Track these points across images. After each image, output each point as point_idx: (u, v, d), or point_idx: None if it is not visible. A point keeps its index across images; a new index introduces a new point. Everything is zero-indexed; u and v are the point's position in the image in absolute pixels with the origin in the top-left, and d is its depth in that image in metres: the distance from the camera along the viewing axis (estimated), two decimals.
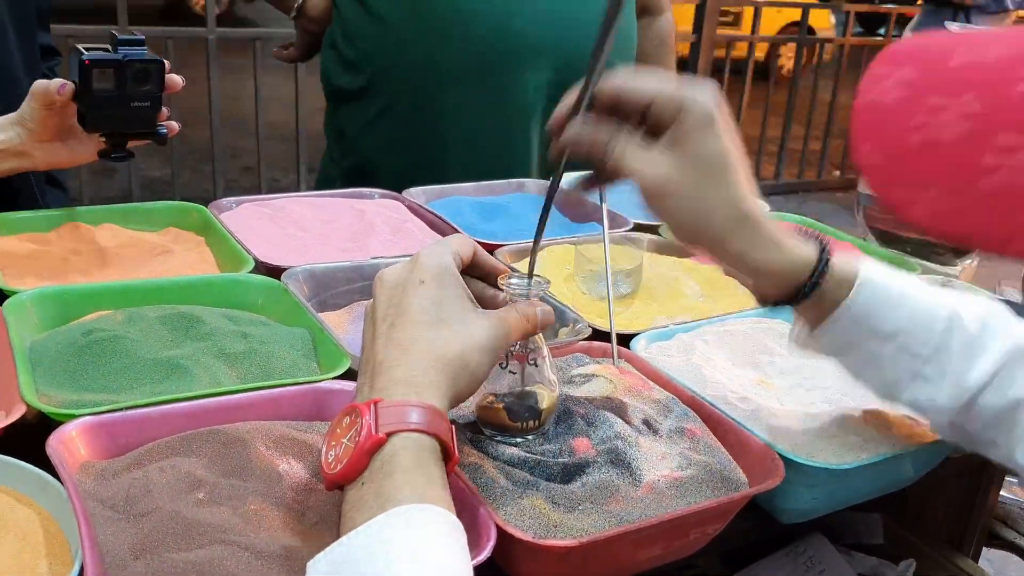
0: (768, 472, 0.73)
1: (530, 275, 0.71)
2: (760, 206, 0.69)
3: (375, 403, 0.58)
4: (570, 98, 0.68)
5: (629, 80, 0.68)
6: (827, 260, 0.70)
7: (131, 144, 1.04)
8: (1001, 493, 1.18)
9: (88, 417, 0.69)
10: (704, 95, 0.66)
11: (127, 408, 0.71)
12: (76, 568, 0.56)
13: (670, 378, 0.85)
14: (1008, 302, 1.07)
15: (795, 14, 5.79)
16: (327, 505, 0.67)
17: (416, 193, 1.33)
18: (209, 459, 0.68)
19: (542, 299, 0.71)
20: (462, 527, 0.54)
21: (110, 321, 0.85)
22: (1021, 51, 0.50)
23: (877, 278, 0.71)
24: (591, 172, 0.72)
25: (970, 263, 1.25)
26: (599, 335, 0.93)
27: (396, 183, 1.36)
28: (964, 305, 0.72)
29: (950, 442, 0.78)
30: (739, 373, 0.90)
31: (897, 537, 1.17)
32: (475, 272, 0.71)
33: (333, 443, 0.59)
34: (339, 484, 0.58)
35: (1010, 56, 0.50)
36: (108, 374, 0.77)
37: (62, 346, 0.80)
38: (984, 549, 1.17)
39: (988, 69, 0.49)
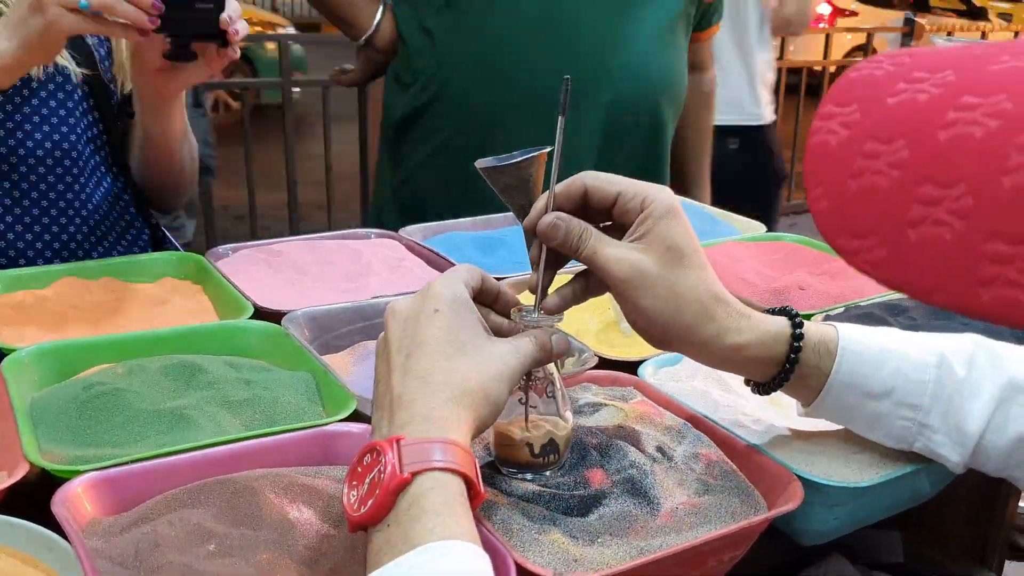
0: (787, 494, 0.72)
1: (538, 305, 0.71)
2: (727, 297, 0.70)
3: (397, 440, 0.57)
4: (541, 202, 0.71)
5: (595, 178, 0.71)
6: (800, 325, 0.72)
7: (196, 47, 1.08)
8: (1020, 504, 1.16)
9: (93, 473, 0.68)
10: (665, 190, 0.69)
11: (132, 462, 0.70)
12: None
13: (681, 403, 0.84)
14: None
15: (860, 38, 6.59)
16: (340, 551, 0.65)
17: (413, 231, 1.33)
18: (218, 509, 0.67)
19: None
20: (487, 559, 0.53)
21: (110, 374, 0.83)
22: (950, 90, 0.47)
23: (856, 340, 0.72)
24: None
25: None
26: (605, 364, 0.92)
27: (451, 217, 1.40)
28: (949, 348, 0.74)
29: None
30: (752, 396, 0.89)
31: (917, 554, 1.15)
32: (484, 300, 0.70)
33: (355, 482, 0.58)
34: (363, 526, 0.56)
35: (939, 97, 0.47)
36: (111, 428, 0.76)
37: (63, 402, 0.79)
38: (1007, 562, 1.15)
39: (918, 111, 0.48)
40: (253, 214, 3.45)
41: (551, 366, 0.71)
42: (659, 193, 0.69)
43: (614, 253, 0.68)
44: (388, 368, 0.63)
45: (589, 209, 0.71)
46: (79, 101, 1.19)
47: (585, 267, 0.71)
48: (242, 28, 1.08)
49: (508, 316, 0.71)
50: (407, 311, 0.65)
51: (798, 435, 0.81)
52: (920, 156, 0.46)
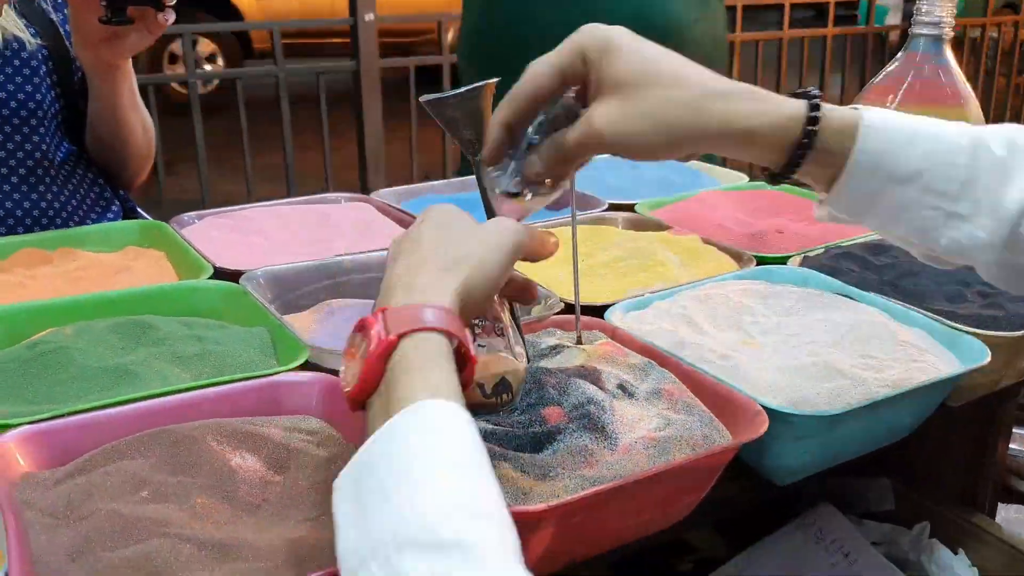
0: (752, 426, 0.69)
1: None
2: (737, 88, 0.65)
3: (383, 311, 0.56)
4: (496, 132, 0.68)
5: (530, 77, 0.66)
6: (818, 106, 0.65)
7: (133, 12, 1.07)
8: (1010, 446, 1.13)
9: (27, 427, 0.66)
10: (590, 31, 0.65)
11: (68, 415, 0.67)
12: (1, 572, 0.52)
13: (645, 342, 0.81)
14: None
15: None
16: (284, 497, 0.63)
17: (386, 194, 1.30)
18: (157, 459, 0.64)
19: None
20: (474, 422, 0.51)
21: (58, 335, 0.81)
22: None
23: (882, 120, 0.65)
24: None
25: None
26: (571, 309, 0.89)
27: None
28: (986, 130, 0.66)
29: (1003, 288, 0.71)
30: (720, 335, 0.86)
31: (909, 501, 1.13)
32: None
33: (348, 360, 0.57)
34: (360, 401, 0.55)
35: None
36: (53, 386, 0.74)
37: (6, 363, 0.77)
38: (999, 505, 1.12)
39: None
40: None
41: (497, 304, 0.69)
42: (586, 37, 0.65)
43: (583, 129, 0.65)
44: (389, 263, 0.63)
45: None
46: (35, 69, 1.17)
47: None
48: None
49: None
50: (406, 231, 0.65)
51: (768, 370, 0.78)
52: None
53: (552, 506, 0.58)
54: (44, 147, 1.20)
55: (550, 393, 0.72)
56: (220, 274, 0.98)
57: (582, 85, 0.67)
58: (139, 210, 1.34)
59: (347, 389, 0.55)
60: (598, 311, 0.89)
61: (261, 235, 1.12)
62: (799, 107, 0.65)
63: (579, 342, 0.81)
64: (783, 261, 1.03)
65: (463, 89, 0.71)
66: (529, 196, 0.70)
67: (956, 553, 1.05)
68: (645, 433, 0.68)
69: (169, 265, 1.06)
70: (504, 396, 0.70)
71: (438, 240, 0.61)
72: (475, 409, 0.69)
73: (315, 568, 0.54)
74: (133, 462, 0.64)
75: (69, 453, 0.66)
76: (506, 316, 0.70)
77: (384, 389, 0.53)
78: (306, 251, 1.08)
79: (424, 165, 3.89)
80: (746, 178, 1.35)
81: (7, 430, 0.65)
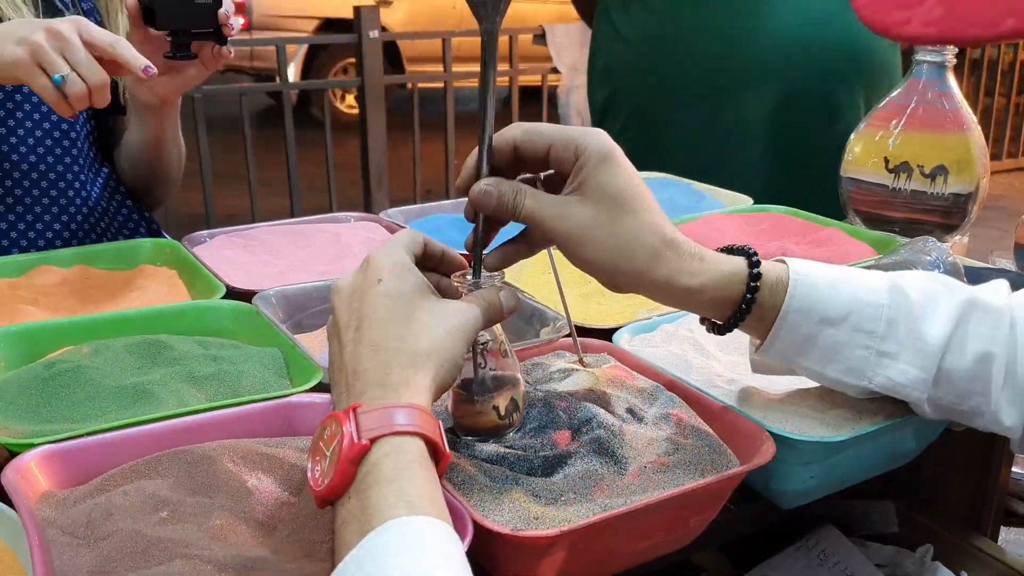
0: (760, 451, 0.70)
1: (476, 271, 0.69)
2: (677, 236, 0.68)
3: (354, 409, 0.56)
4: (471, 160, 0.69)
5: (525, 131, 0.68)
6: (757, 264, 0.70)
7: (195, 46, 1.09)
8: (1013, 469, 1.14)
9: (47, 446, 0.67)
10: (598, 135, 0.67)
11: (88, 434, 0.69)
12: None
13: (653, 366, 0.82)
14: (1002, 270, 1.05)
15: None
16: (300, 518, 0.64)
17: (395, 214, 1.32)
18: (175, 479, 0.66)
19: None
20: (454, 534, 0.51)
21: (75, 354, 0.82)
22: None
23: (809, 271, 0.70)
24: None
25: (959, 238, 1.23)
26: (580, 332, 0.91)
27: None
28: (902, 278, 0.72)
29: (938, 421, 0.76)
30: (727, 358, 0.87)
31: (912, 523, 1.13)
32: (429, 264, 0.69)
33: (318, 457, 0.57)
34: (329, 500, 0.55)
35: None
36: (71, 405, 0.75)
37: (25, 381, 0.78)
38: (1002, 528, 1.13)
39: None
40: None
41: (499, 327, 0.70)
42: (593, 139, 0.67)
43: (551, 212, 0.66)
44: (340, 345, 0.62)
45: (525, 163, 0.69)
46: None
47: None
48: (236, 25, 1.09)
49: (444, 268, 0.70)
50: (350, 287, 0.64)
51: (773, 395, 0.80)
52: None
53: (564, 531, 0.59)
54: (76, 169, 1.22)
55: (560, 417, 0.73)
56: (232, 294, 0.99)
57: (539, 170, 0.69)
58: (164, 233, 1.36)
59: (319, 488, 0.55)
60: (605, 334, 0.90)
61: (272, 254, 1.13)
62: (739, 265, 0.69)
63: (581, 363, 0.82)
64: None
65: None
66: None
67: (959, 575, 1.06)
68: (654, 458, 0.69)
69: (182, 284, 1.07)
70: (515, 416, 0.71)
71: (398, 324, 0.60)
72: (489, 432, 0.71)
73: None
74: (152, 482, 0.65)
75: (88, 472, 0.67)
76: (503, 334, 0.71)
77: (355, 493, 0.53)
78: (317, 271, 1.10)
79: (426, 181, 3.91)
80: (751, 200, 1.36)
81: (28, 449, 0.66)
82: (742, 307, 0.69)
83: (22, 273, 1.06)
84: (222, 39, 1.08)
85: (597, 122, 1.71)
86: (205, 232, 1.19)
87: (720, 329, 0.72)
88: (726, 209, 1.34)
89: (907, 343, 0.69)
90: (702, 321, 0.74)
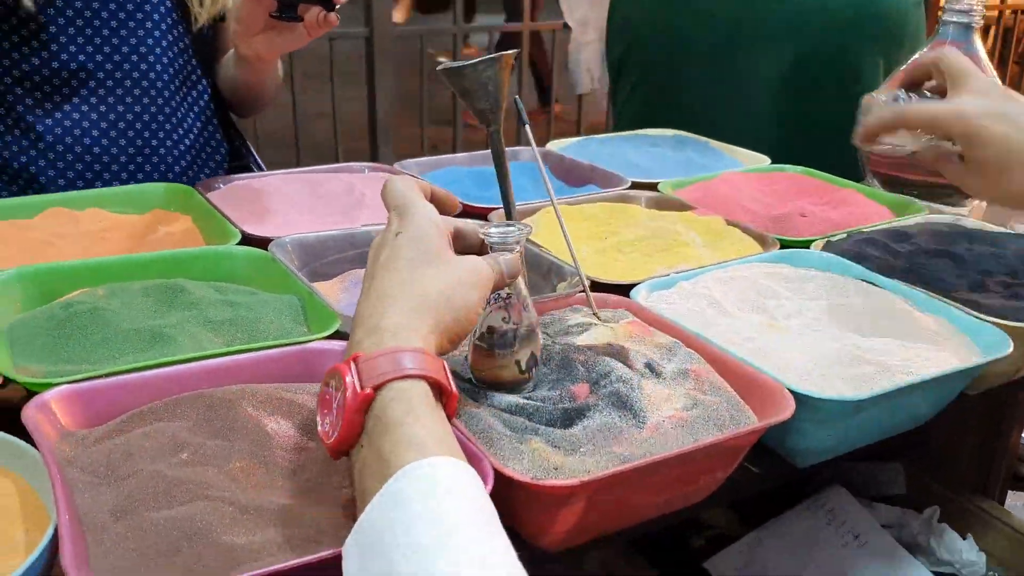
0: (778, 409, 0.70)
1: (509, 217, 0.69)
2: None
3: (355, 359, 0.55)
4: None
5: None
6: None
7: (301, 9, 1.09)
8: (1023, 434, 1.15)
9: (66, 386, 0.67)
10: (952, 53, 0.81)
11: (107, 375, 0.68)
12: (51, 530, 0.54)
13: (672, 322, 0.82)
14: (1022, 236, 1.04)
15: None
16: (320, 463, 0.64)
17: (410, 165, 1.31)
18: (194, 422, 0.66)
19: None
20: (472, 471, 0.51)
21: (91, 295, 0.82)
22: None
23: None
24: None
25: (978, 203, 1.22)
26: (598, 287, 0.90)
27: None
28: None
29: None
30: (745, 317, 0.87)
31: (920, 486, 1.14)
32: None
33: (325, 410, 0.57)
34: (341, 451, 0.55)
35: None
36: (89, 346, 0.75)
37: (41, 322, 0.77)
38: (1009, 492, 1.14)
39: None
40: None
41: (520, 281, 0.69)
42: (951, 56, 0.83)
43: (953, 109, 0.83)
44: (360, 296, 0.62)
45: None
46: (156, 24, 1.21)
47: None
48: None
49: (445, 212, 0.70)
50: (378, 241, 0.65)
51: (793, 353, 0.79)
52: None
53: (585, 481, 0.59)
54: (176, 103, 1.23)
55: (578, 370, 0.72)
56: (247, 240, 0.98)
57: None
58: (253, 152, 1.41)
59: (329, 441, 0.55)
60: (623, 290, 0.90)
61: (288, 203, 1.12)
62: None
63: (596, 318, 0.82)
64: (806, 245, 1.03)
65: (479, 59, 0.72)
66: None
67: (965, 538, 1.06)
68: (673, 412, 0.69)
69: (196, 229, 1.06)
70: (534, 370, 0.71)
71: (410, 271, 0.60)
72: (510, 385, 0.71)
73: None
74: (171, 424, 0.65)
75: (107, 413, 0.67)
76: (525, 289, 0.71)
77: (367, 442, 0.53)
78: (331, 220, 1.09)
79: (432, 137, 3.88)
80: (768, 160, 1.35)
81: (47, 389, 0.66)
82: None
83: (33, 215, 1.06)
84: (330, 5, 1.07)
85: (614, 77, 1.70)
86: (220, 179, 1.18)
87: None
88: (743, 168, 1.33)
89: None
90: None
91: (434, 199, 0.69)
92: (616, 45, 1.67)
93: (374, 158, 3.71)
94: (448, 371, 0.57)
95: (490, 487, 0.57)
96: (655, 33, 1.59)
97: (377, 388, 0.54)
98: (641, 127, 1.55)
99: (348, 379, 0.54)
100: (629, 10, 1.65)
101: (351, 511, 0.58)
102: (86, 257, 0.96)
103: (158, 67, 1.21)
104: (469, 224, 0.69)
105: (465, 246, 0.69)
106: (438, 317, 0.59)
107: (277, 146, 3.88)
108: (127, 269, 0.89)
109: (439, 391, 0.56)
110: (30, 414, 0.62)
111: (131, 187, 1.14)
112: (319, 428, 0.57)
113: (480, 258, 0.65)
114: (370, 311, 0.59)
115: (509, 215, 0.76)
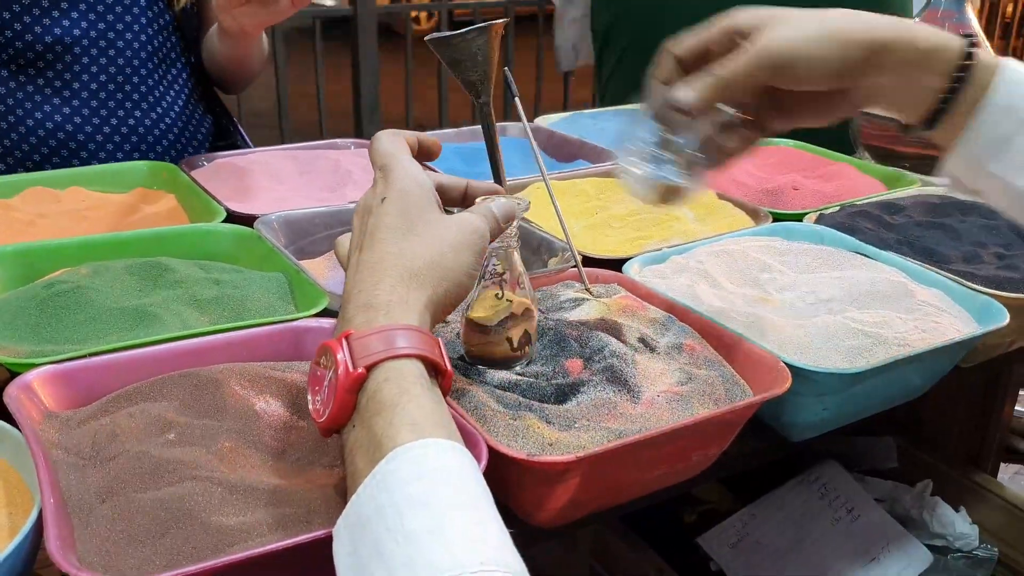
0: (774, 382, 0.69)
1: (501, 183, 0.68)
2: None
3: (346, 336, 0.54)
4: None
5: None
6: (972, 43, 0.64)
7: None
8: (1016, 407, 1.14)
9: (50, 366, 0.65)
10: (751, 8, 0.69)
11: (90, 355, 0.67)
12: (35, 512, 0.52)
13: (665, 296, 0.81)
14: None
15: None
16: (309, 442, 0.63)
17: None
18: (180, 402, 0.64)
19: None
20: (466, 452, 0.50)
21: (74, 275, 0.80)
22: None
23: (1018, 65, 0.64)
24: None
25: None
26: (590, 263, 0.89)
27: None
28: None
29: None
30: (738, 291, 0.86)
31: (912, 459, 1.14)
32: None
33: (316, 388, 0.55)
34: (332, 430, 0.54)
35: None
36: (72, 326, 0.73)
37: (23, 301, 0.76)
38: (1001, 464, 1.14)
39: None
40: None
41: (516, 257, 0.68)
42: (747, 16, 0.69)
43: (755, 50, 0.66)
44: (347, 268, 0.61)
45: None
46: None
47: None
48: None
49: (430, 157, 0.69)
50: (362, 206, 0.63)
51: (787, 326, 0.78)
52: None
53: (581, 457, 0.58)
54: (141, 72, 1.21)
55: (572, 345, 0.72)
56: (233, 218, 0.97)
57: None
58: (240, 129, 1.39)
59: (320, 420, 0.54)
60: (615, 264, 0.89)
61: (272, 179, 1.11)
62: (954, 40, 0.65)
63: (589, 293, 0.81)
64: (799, 218, 1.02)
65: (469, 28, 0.70)
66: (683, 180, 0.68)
67: (957, 510, 1.06)
68: (667, 387, 0.68)
69: (180, 208, 1.05)
70: (527, 348, 0.70)
71: (398, 242, 0.58)
72: (502, 361, 0.69)
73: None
74: (157, 404, 0.64)
75: (91, 394, 0.66)
76: (520, 266, 0.70)
77: (359, 422, 0.52)
78: (317, 197, 1.08)
79: (418, 116, 3.85)
80: None
81: (30, 369, 0.65)
82: (959, 72, 0.64)
83: (14, 194, 1.03)
84: None
85: (599, 48, 1.68)
86: (204, 156, 1.16)
87: (922, 125, 0.67)
88: None
89: None
90: (900, 127, 0.70)
91: (421, 149, 0.67)
92: (602, 15, 1.65)
93: (358, 136, 3.68)
94: (443, 348, 0.56)
95: (484, 465, 0.56)
96: (643, 2, 1.57)
97: (370, 368, 0.52)
98: (628, 100, 1.53)
99: (340, 357, 0.53)
100: None
101: (342, 490, 0.57)
102: (67, 235, 0.95)
103: (135, 44, 1.18)
104: (451, 179, 0.68)
105: (449, 200, 0.67)
106: (430, 289, 0.57)
107: (261, 127, 3.85)
108: (110, 248, 0.87)
109: (434, 369, 0.55)
110: (13, 395, 0.61)
111: (114, 165, 1.12)
112: (310, 405, 0.56)
113: (470, 212, 0.63)
114: (360, 286, 0.57)
115: (499, 183, 0.75)
